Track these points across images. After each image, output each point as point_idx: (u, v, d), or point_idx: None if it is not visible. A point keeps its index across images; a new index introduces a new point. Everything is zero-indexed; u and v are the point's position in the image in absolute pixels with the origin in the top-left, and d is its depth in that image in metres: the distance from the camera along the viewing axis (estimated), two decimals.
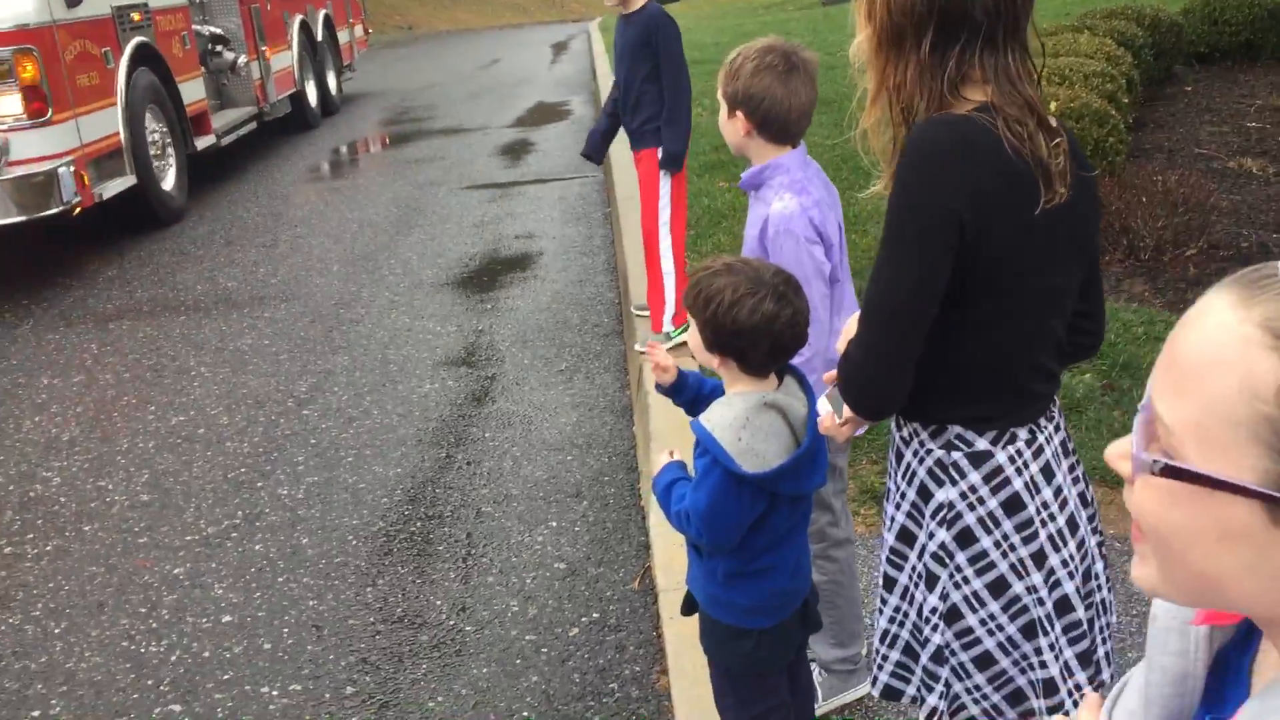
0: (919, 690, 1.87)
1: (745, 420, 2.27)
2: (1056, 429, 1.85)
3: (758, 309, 2.22)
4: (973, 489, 1.77)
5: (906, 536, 1.87)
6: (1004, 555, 1.77)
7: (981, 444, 1.77)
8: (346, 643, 3.60)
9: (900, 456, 1.89)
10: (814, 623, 2.52)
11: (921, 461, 1.83)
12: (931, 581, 1.81)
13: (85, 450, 5.14)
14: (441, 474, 4.69)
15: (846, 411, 1.94)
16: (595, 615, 3.67)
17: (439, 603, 3.78)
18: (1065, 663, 1.80)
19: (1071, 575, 1.79)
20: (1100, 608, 1.88)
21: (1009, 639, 1.79)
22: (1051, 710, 1.79)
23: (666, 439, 4.45)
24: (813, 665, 3.07)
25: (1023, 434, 1.78)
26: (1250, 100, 8.29)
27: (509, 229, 8.57)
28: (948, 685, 1.83)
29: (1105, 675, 1.89)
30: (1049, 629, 1.78)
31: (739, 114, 2.67)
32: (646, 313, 5.50)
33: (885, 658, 1.93)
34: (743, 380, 2.33)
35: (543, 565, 3.98)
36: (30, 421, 5.52)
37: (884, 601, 1.94)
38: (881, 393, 1.76)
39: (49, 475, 4.92)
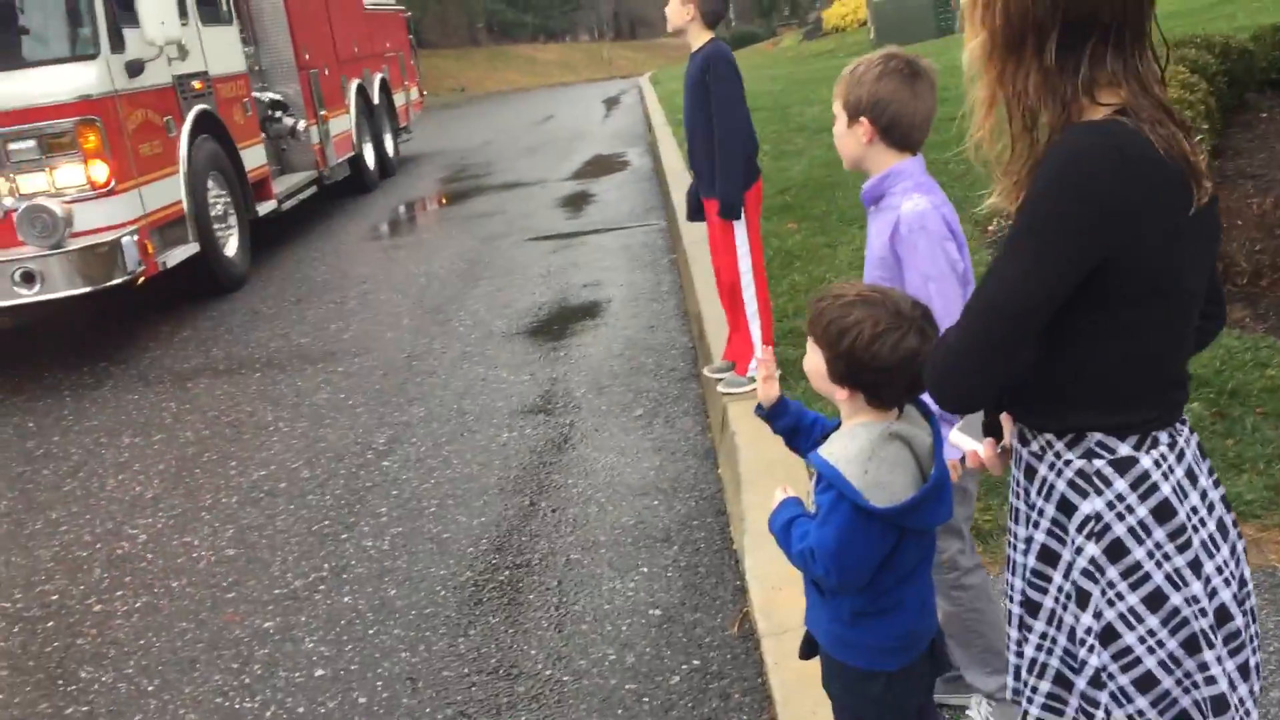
0: None
1: (871, 452, 2.18)
2: (1191, 431, 1.76)
3: (900, 345, 2.14)
4: (1120, 498, 1.68)
5: (1049, 557, 1.77)
6: (1158, 565, 1.67)
7: (1125, 450, 1.69)
8: (443, 695, 3.52)
9: (1032, 472, 1.80)
10: (943, 663, 2.41)
11: (1060, 474, 1.74)
12: (1083, 600, 1.71)
13: (169, 507, 5.14)
14: (526, 522, 4.62)
15: (1006, 435, 1.86)
16: (696, 662, 3.56)
17: (534, 652, 3.69)
18: (1229, 676, 1.68)
19: (1228, 582, 1.69)
20: (1251, 614, 1.77)
21: (1171, 656, 1.68)
22: None
23: (756, 480, 4.36)
24: (976, 699, 2.95)
25: (1164, 437, 1.70)
26: None
27: (575, 278, 8.56)
28: (1107, 712, 1.71)
29: (1256, 686, 1.77)
30: (1213, 641, 1.68)
31: (863, 120, 2.62)
32: (726, 374, 5.37)
33: (1035, 689, 1.82)
34: (865, 412, 2.25)
35: (637, 612, 3.89)
36: (114, 480, 5.53)
37: (1028, 629, 1.83)
38: (973, 388, 1.70)
39: (135, 533, 4.91)
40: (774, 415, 2.52)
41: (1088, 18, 1.62)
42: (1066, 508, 1.73)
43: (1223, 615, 1.69)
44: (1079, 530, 1.71)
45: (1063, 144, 1.61)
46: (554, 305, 7.87)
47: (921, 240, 2.54)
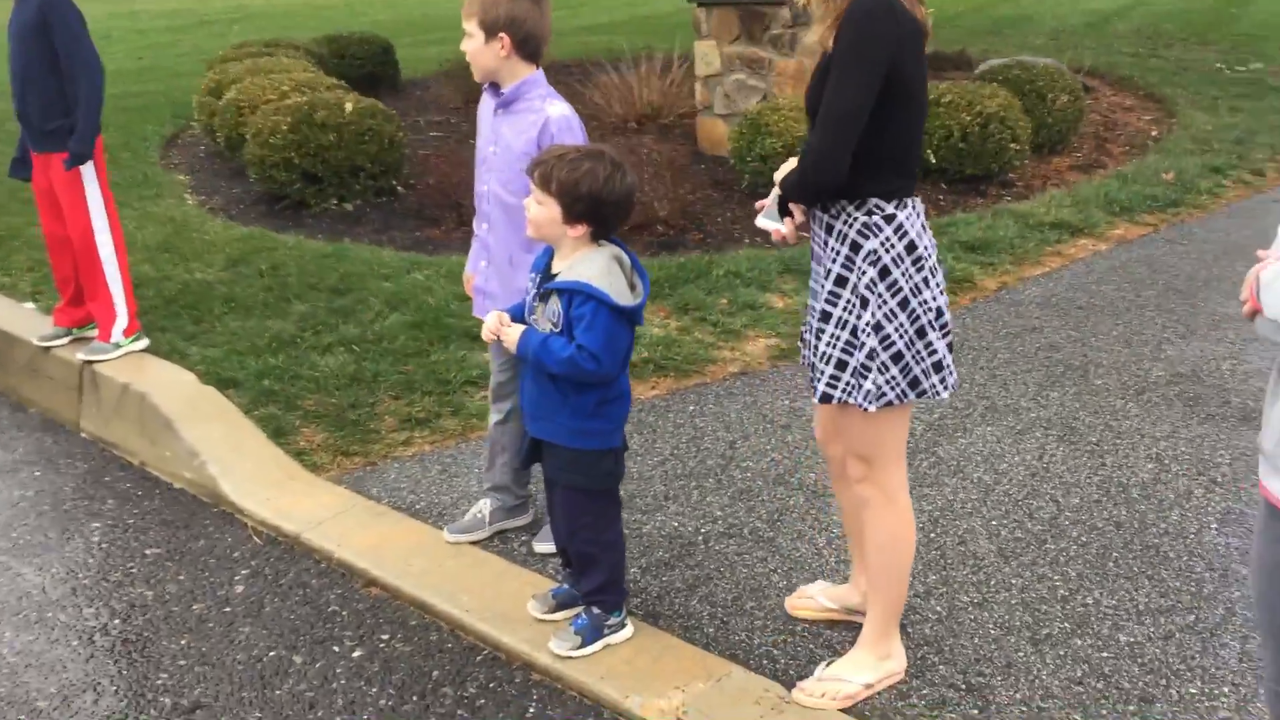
0: (844, 393, 2.72)
1: (608, 270, 2.88)
2: (920, 202, 2.77)
3: (624, 180, 2.86)
4: (887, 239, 2.65)
5: (841, 281, 2.69)
6: (908, 279, 2.67)
7: (889, 209, 2.66)
8: None
9: (830, 228, 2.69)
10: (626, 441, 3.16)
11: (850, 225, 2.66)
12: (865, 304, 2.66)
13: None
14: None
15: (797, 216, 2.72)
16: (245, 571, 3.66)
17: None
18: (943, 349, 2.76)
19: (943, 293, 2.76)
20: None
21: (910, 339, 2.69)
22: (942, 380, 2.76)
23: (189, 415, 4.42)
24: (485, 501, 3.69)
25: (910, 201, 2.71)
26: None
27: None
28: (874, 381, 2.67)
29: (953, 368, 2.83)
30: (935, 328, 2.73)
31: (501, 37, 3.16)
32: (62, 341, 5.01)
33: (822, 373, 2.75)
34: (587, 245, 2.91)
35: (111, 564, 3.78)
36: None
37: (823, 332, 2.74)
38: (840, 170, 2.56)
39: None
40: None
41: None
42: (855, 247, 2.66)
43: (939, 314, 2.75)
44: (864, 260, 2.65)
45: (856, 4, 2.54)
46: None
47: (568, 138, 3.20)
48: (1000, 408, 4.45)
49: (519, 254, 3.37)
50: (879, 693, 2.91)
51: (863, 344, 2.68)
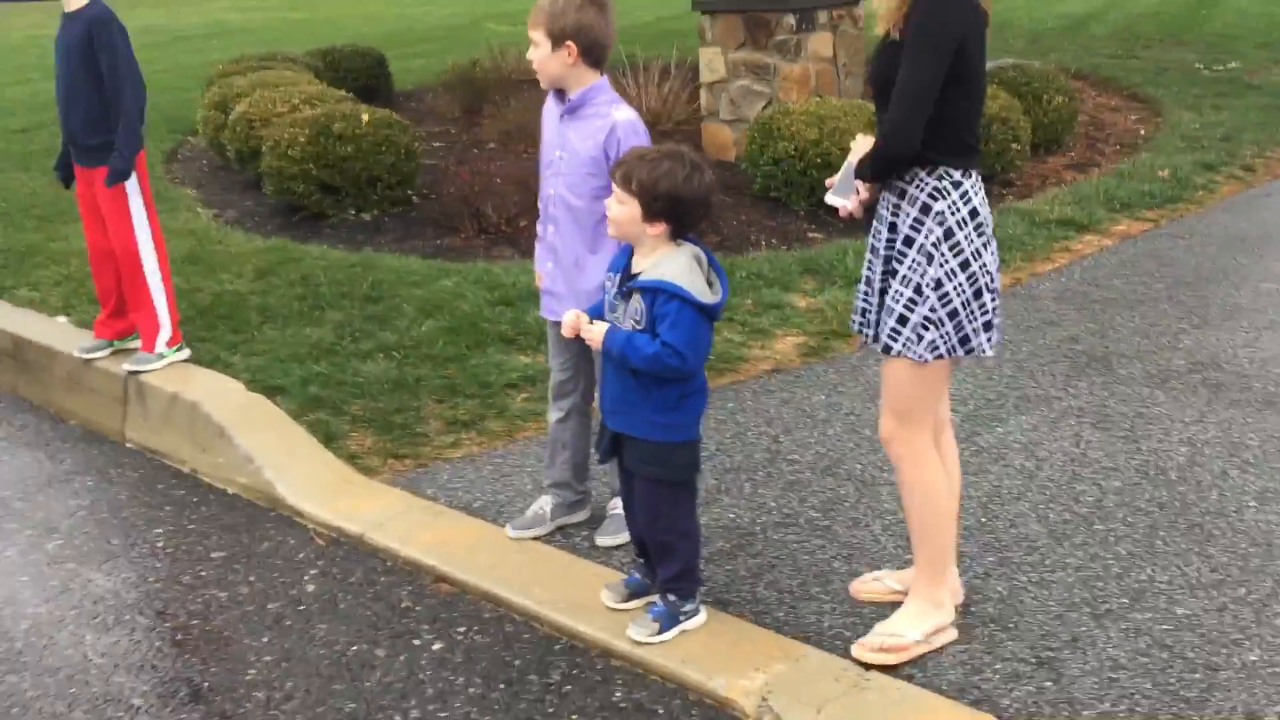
0: (903, 347, 2.91)
1: (690, 269, 3.00)
2: (980, 175, 2.99)
3: (705, 179, 2.99)
4: (953, 203, 2.88)
5: (909, 241, 2.91)
6: (969, 243, 2.89)
7: (957, 176, 2.89)
8: None
9: (903, 192, 2.92)
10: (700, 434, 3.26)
11: (921, 190, 2.89)
12: (930, 260, 2.87)
13: None
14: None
15: (862, 193, 2.96)
16: (313, 573, 3.74)
17: None
18: (994, 309, 2.97)
19: (995, 257, 2.97)
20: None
21: (967, 299, 2.90)
22: (990, 339, 2.96)
23: (243, 423, 4.48)
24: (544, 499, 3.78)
25: (975, 171, 2.94)
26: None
27: None
28: (931, 336, 2.87)
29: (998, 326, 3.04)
30: (989, 290, 2.94)
31: (569, 45, 3.27)
32: (103, 353, 5.05)
33: (884, 323, 2.97)
34: (666, 245, 3.03)
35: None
36: None
37: (888, 288, 2.96)
38: (913, 140, 2.82)
39: None
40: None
41: None
42: (925, 209, 2.89)
43: (992, 278, 2.95)
44: (933, 220, 2.88)
45: None
46: None
47: (635, 141, 3.31)
48: (1032, 398, 4.59)
49: (585, 255, 3.48)
50: (937, 649, 3.06)
51: (925, 298, 2.90)
